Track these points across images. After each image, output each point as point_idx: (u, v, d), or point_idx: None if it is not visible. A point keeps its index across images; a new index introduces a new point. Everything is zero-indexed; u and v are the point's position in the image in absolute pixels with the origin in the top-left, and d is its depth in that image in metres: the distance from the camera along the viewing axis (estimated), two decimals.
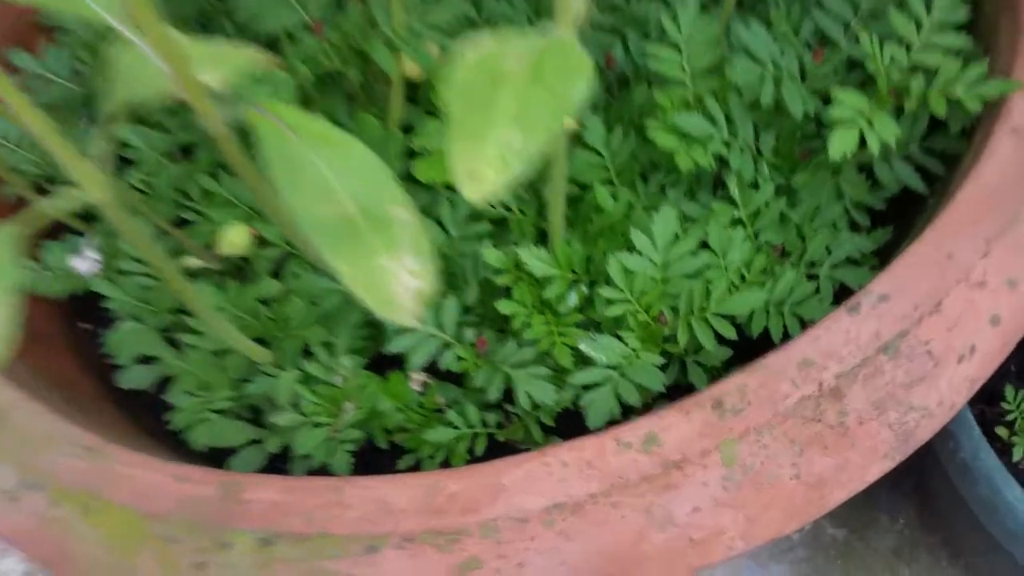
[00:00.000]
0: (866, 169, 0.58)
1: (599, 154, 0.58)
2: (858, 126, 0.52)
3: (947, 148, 0.57)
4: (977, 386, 0.45)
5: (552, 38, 0.35)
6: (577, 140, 0.59)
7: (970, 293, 0.46)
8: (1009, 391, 0.71)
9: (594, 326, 0.54)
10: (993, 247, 0.47)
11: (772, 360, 0.44)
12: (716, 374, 0.56)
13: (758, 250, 0.54)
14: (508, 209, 0.59)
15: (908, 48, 0.56)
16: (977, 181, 0.49)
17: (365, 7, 0.58)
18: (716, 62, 0.57)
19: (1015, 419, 0.71)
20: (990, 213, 0.48)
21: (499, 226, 0.59)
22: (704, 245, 0.53)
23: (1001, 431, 0.71)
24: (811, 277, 0.55)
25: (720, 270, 0.53)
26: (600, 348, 0.52)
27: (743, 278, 0.54)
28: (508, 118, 0.33)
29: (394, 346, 0.53)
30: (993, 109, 0.53)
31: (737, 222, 0.55)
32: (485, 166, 0.32)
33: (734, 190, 0.54)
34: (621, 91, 0.62)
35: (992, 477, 0.64)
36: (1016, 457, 0.69)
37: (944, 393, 0.44)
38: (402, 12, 0.56)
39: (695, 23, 0.57)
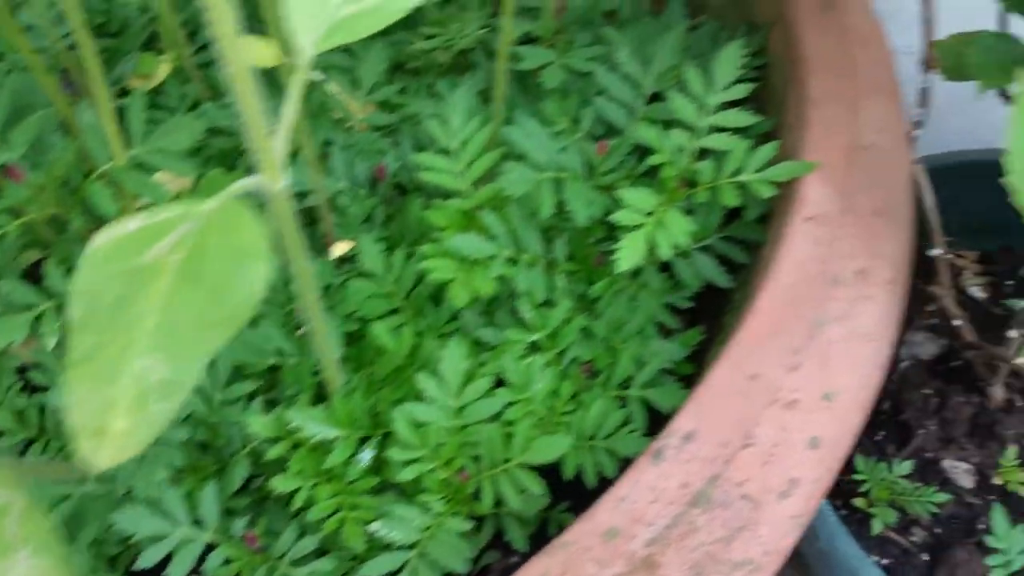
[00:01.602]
0: (667, 266, 0.53)
1: (380, 281, 0.51)
2: (646, 231, 0.47)
3: (748, 235, 0.52)
4: (806, 521, 0.40)
5: (219, 205, 0.28)
6: (353, 266, 0.52)
7: (783, 416, 0.40)
8: (859, 461, 0.67)
9: (394, 488, 0.47)
10: (802, 358, 0.42)
11: (575, 534, 0.37)
12: (541, 517, 0.49)
13: (564, 376, 0.48)
14: (282, 353, 0.51)
15: (694, 132, 0.51)
16: (776, 284, 0.44)
17: (79, 140, 0.49)
18: (493, 168, 0.51)
19: (869, 489, 0.68)
20: (793, 320, 0.43)
21: (272, 374, 0.51)
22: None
23: (859, 502, 0.68)
24: (624, 399, 0.49)
25: (524, 406, 0.46)
26: (397, 523, 0.44)
27: (552, 409, 0.47)
28: (147, 339, 0.25)
29: (146, 560, 0.43)
30: (787, 193, 0.49)
31: (535, 347, 0.48)
32: (114, 416, 0.24)
33: (526, 313, 0.48)
34: (400, 202, 0.55)
35: (852, 564, 0.60)
36: (875, 531, 0.66)
37: (768, 541, 0.38)
38: (121, 143, 0.48)
39: (467, 126, 0.51)
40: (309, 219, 0.54)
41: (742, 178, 0.49)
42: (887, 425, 0.67)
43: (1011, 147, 0.37)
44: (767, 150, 0.49)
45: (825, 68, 0.52)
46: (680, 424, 0.40)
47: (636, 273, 0.51)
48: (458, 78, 0.63)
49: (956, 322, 0.60)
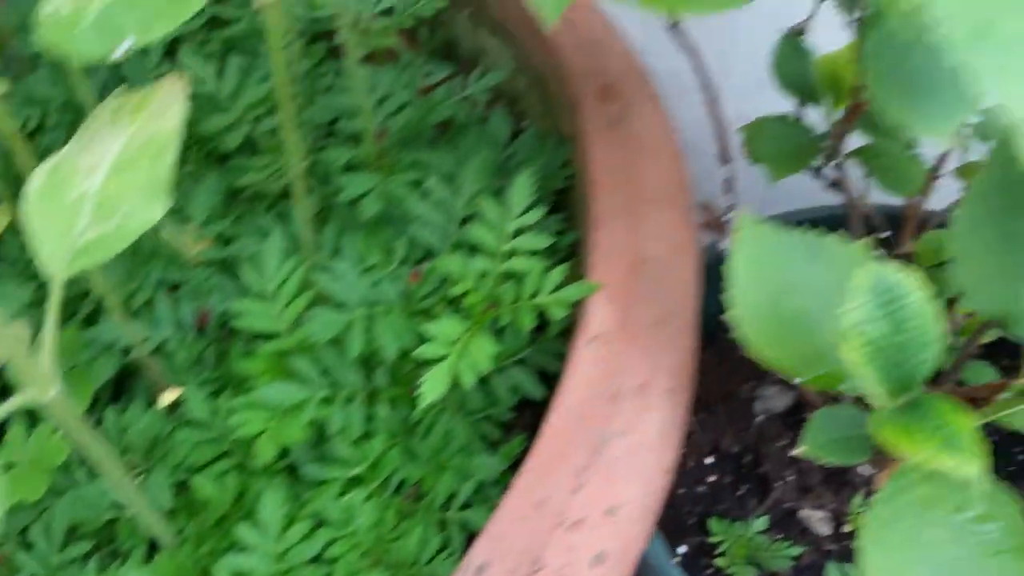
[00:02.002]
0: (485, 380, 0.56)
1: (206, 428, 0.53)
2: (450, 361, 0.50)
3: (555, 350, 0.56)
4: None
5: None
6: (182, 413, 0.54)
7: (569, 537, 0.44)
8: (714, 523, 0.71)
9: None
10: (586, 478, 0.45)
11: None
12: None
13: (387, 505, 0.51)
14: (118, 507, 0.52)
15: (496, 257, 0.55)
16: (562, 406, 0.47)
17: None
18: (308, 308, 0.54)
19: (728, 548, 0.71)
20: (579, 441, 0.46)
21: (109, 529, 0.52)
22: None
23: (720, 562, 0.71)
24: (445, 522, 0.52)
25: (347, 541, 0.49)
26: None
27: (380, 538, 0.50)
28: None
29: None
30: (578, 312, 0.52)
31: (358, 480, 0.51)
32: None
33: (343, 450, 0.51)
34: (229, 342, 0.57)
35: None
36: None
37: None
38: None
39: (282, 269, 0.54)
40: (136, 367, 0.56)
41: (539, 300, 0.53)
42: (748, 479, 0.71)
43: (737, 299, 0.41)
44: (558, 272, 0.53)
45: (610, 185, 0.57)
46: (474, 556, 0.43)
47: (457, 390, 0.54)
48: (290, 204, 0.66)
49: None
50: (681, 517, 0.69)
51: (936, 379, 0.52)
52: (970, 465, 0.32)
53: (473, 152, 0.66)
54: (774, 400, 0.77)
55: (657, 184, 0.57)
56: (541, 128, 0.70)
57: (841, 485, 0.69)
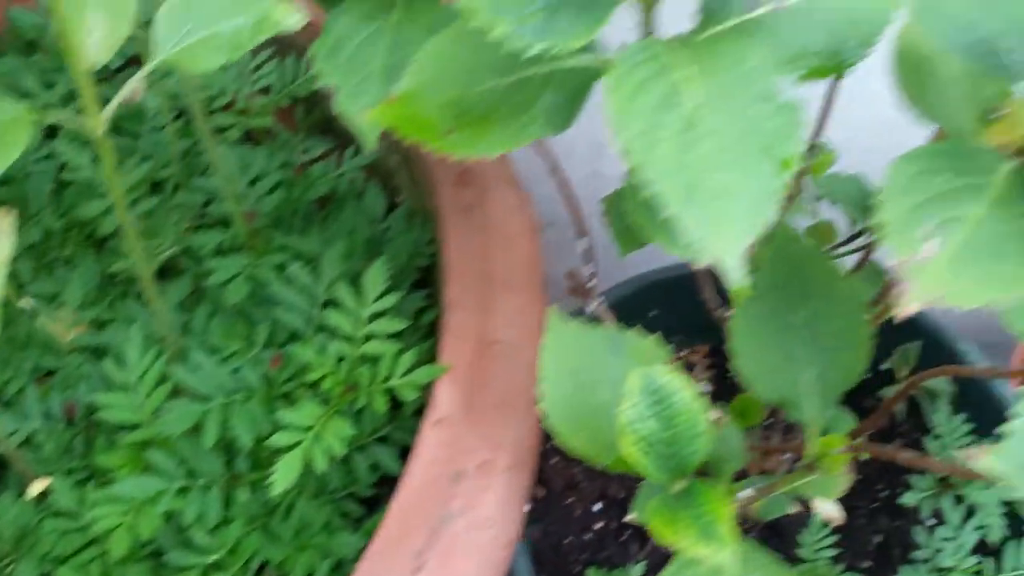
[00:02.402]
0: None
1: (74, 517, 0.55)
2: (304, 447, 0.53)
3: (416, 425, 0.59)
4: None
5: None
6: (48, 504, 0.56)
7: None
8: (591, 572, 0.75)
9: None
10: (426, 558, 0.48)
11: None
12: None
13: None
14: None
15: (353, 341, 0.58)
16: (406, 488, 0.51)
17: None
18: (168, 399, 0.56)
19: None
20: (419, 523, 0.49)
21: None
22: None
23: None
24: None
25: None
26: None
27: None
28: None
29: None
30: (427, 395, 0.56)
31: (216, 566, 0.53)
32: None
33: (199, 539, 0.53)
34: (94, 435, 0.59)
35: None
36: None
37: None
38: None
39: (143, 361, 0.56)
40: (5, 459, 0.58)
41: (392, 383, 0.56)
42: (632, 525, 0.74)
43: (545, 393, 0.45)
44: (410, 356, 0.56)
45: (464, 269, 0.60)
46: None
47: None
48: (165, 285, 0.68)
49: None
50: (568, 566, 0.72)
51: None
52: (722, 552, 0.36)
53: (349, 227, 0.69)
54: None
55: (510, 268, 0.61)
56: (412, 205, 0.73)
57: None
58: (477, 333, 0.57)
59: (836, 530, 0.66)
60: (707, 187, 0.32)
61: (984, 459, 0.29)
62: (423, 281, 0.68)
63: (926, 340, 0.70)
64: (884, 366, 0.72)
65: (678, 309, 0.72)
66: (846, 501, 0.60)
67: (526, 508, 0.65)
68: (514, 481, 0.52)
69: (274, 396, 0.58)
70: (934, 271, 0.32)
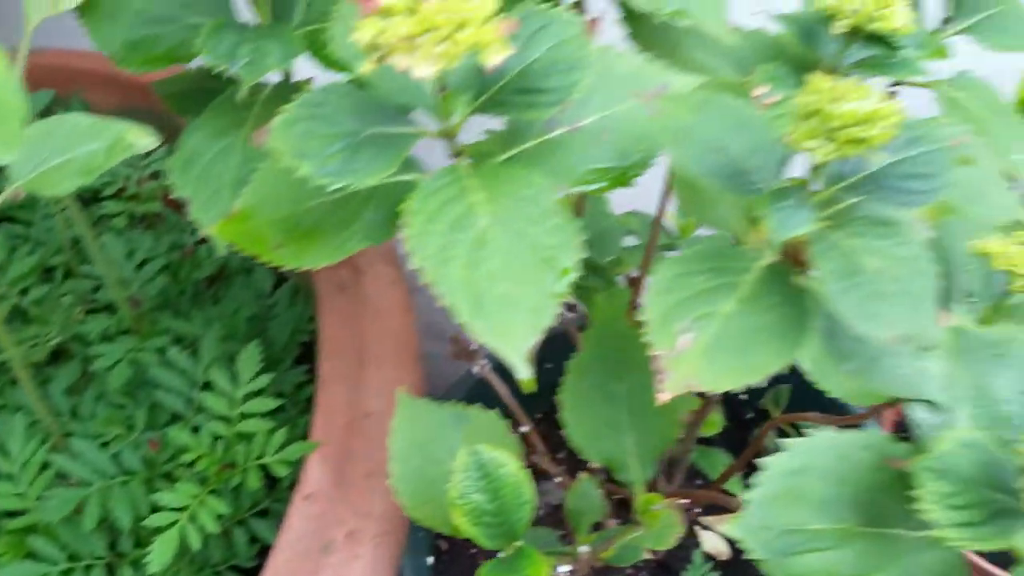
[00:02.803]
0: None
1: None
2: (180, 526, 0.56)
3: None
4: None
5: None
6: None
7: None
8: None
9: None
10: None
11: None
12: None
13: None
14: None
15: (228, 421, 0.62)
16: (276, 560, 0.54)
17: None
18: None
19: None
20: None
21: None
22: None
23: None
24: None
25: None
26: None
27: None
28: None
29: None
30: (298, 471, 0.59)
31: None
32: None
33: None
34: None
35: None
36: None
37: None
38: None
39: (25, 450, 0.59)
40: None
41: (265, 460, 0.60)
42: None
43: (394, 468, 0.49)
44: (282, 434, 0.60)
45: (337, 346, 0.64)
46: None
47: (205, 541, 0.60)
48: (56, 370, 0.70)
49: (557, 479, 0.71)
50: None
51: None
52: None
53: (236, 304, 0.73)
54: (552, 495, 0.86)
55: (382, 343, 0.65)
56: (297, 281, 0.77)
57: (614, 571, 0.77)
58: (349, 407, 0.61)
59: (722, 565, 0.70)
60: (493, 298, 0.37)
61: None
62: (306, 356, 0.72)
63: (798, 381, 0.77)
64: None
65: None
66: None
67: (430, 561, 0.69)
68: (383, 549, 0.56)
69: (154, 477, 0.61)
70: (688, 362, 0.37)
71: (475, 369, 0.70)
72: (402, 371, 0.64)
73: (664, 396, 0.36)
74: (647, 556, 0.62)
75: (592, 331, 0.51)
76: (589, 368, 0.51)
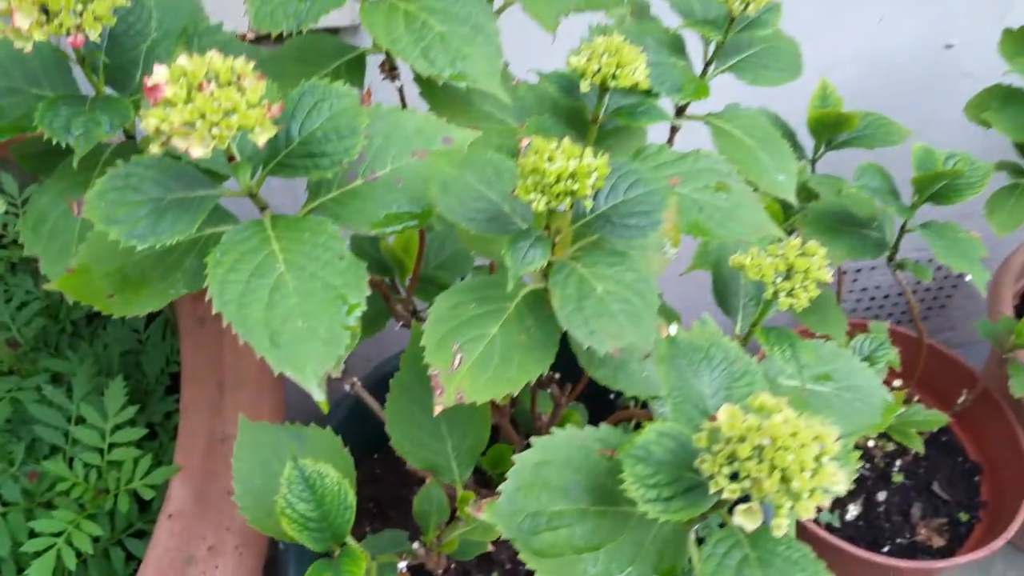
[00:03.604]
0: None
1: None
2: (58, 548, 0.61)
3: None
4: None
5: None
6: None
7: None
8: None
9: None
10: None
11: None
12: None
13: None
14: None
15: (101, 451, 0.67)
16: (144, 575, 0.60)
17: None
18: None
19: None
20: None
21: None
22: None
23: None
24: None
25: None
26: None
27: None
28: None
29: None
30: (163, 493, 0.65)
31: None
32: None
33: None
34: None
35: None
36: None
37: None
38: None
39: None
40: None
41: (133, 485, 0.65)
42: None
43: (238, 485, 0.55)
44: (147, 460, 0.65)
45: (198, 375, 0.70)
46: None
47: (84, 562, 0.65)
48: None
49: None
50: None
51: None
52: None
53: (112, 339, 0.78)
54: None
55: (239, 371, 0.71)
56: (168, 316, 0.82)
57: None
58: (208, 432, 0.67)
59: None
60: (290, 333, 0.43)
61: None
62: (176, 386, 0.77)
63: None
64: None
65: None
66: None
67: None
68: (243, 560, 0.62)
69: (34, 506, 0.66)
70: (457, 378, 0.44)
71: (347, 387, 0.76)
72: (260, 396, 0.69)
73: (438, 408, 0.43)
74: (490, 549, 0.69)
75: (408, 351, 0.58)
76: (409, 385, 0.57)
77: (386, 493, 1.02)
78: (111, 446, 0.67)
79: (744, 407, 0.37)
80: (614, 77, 0.50)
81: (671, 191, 0.45)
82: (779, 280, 0.54)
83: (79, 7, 0.49)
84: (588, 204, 0.42)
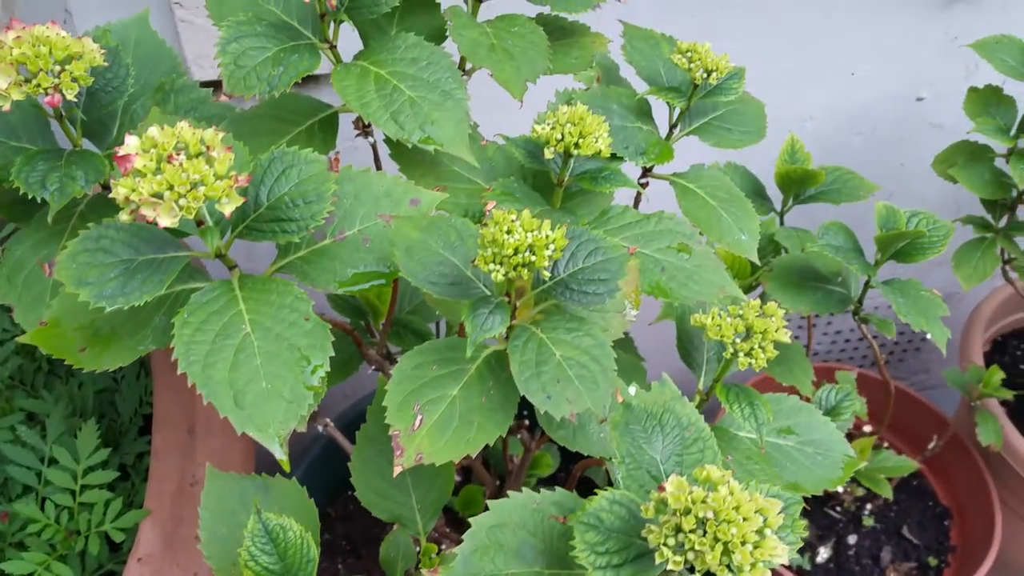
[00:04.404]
0: None
1: None
2: None
3: None
4: None
5: None
6: None
7: None
8: None
9: None
10: None
11: None
12: None
13: None
14: None
15: (74, 493, 0.67)
16: None
17: None
18: None
19: None
20: None
21: None
22: None
23: None
24: None
25: None
26: None
27: None
28: None
29: None
30: (134, 536, 0.65)
31: None
32: None
33: None
34: None
35: None
36: None
37: None
38: None
39: None
40: None
41: (104, 527, 0.65)
42: None
43: (204, 534, 0.56)
44: (118, 503, 0.66)
45: (168, 420, 0.71)
46: None
47: None
48: None
49: None
50: None
51: None
52: None
53: (87, 378, 0.78)
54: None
55: (213, 417, 0.72)
56: (144, 358, 0.83)
57: None
58: (179, 476, 0.68)
59: None
60: (253, 394, 0.44)
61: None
62: (150, 427, 0.78)
63: None
64: None
65: None
66: None
67: None
68: None
69: (5, 547, 0.66)
70: (417, 439, 0.45)
71: (320, 428, 0.77)
72: (230, 442, 0.70)
73: (398, 468, 0.44)
74: None
75: (374, 404, 0.59)
76: (374, 437, 0.58)
77: (359, 531, 1.03)
78: (83, 488, 0.67)
79: (691, 478, 0.38)
80: (576, 146, 0.51)
81: (629, 257, 0.47)
82: (738, 340, 0.56)
83: (56, 68, 0.50)
84: (546, 275, 0.43)
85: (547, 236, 0.42)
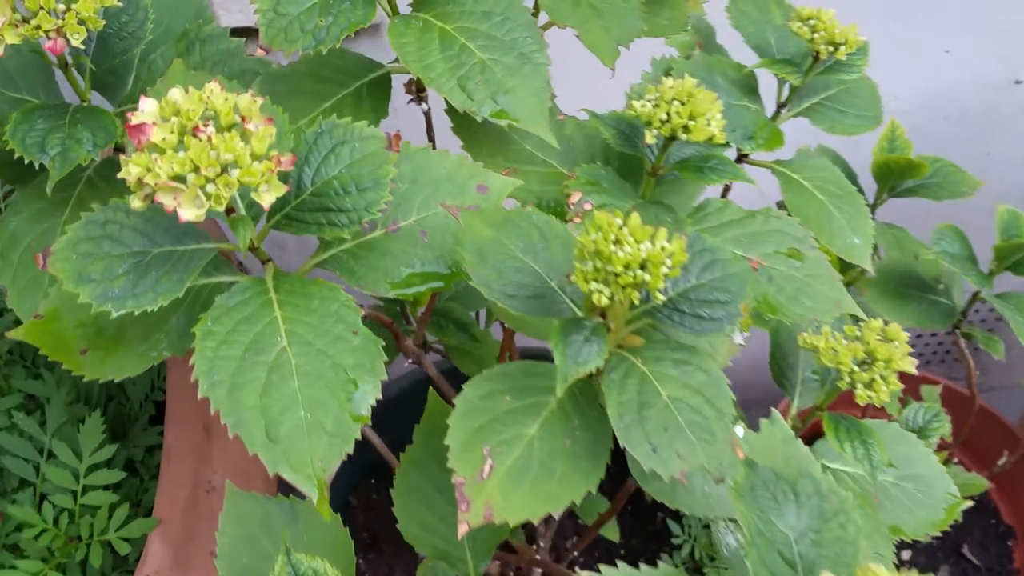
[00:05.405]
0: None
1: None
2: None
3: None
4: None
5: None
6: None
7: None
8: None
9: None
10: None
11: None
12: None
13: None
14: None
15: (75, 494, 0.60)
16: None
17: None
18: None
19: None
20: None
21: None
22: None
23: None
24: None
25: None
26: None
27: None
28: None
29: None
30: (142, 546, 0.58)
31: None
32: None
33: None
34: None
35: None
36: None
37: None
38: None
39: None
40: None
41: (107, 536, 0.58)
42: None
43: (220, 561, 0.48)
44: (124, 509, 0.58)
45: (182, 416, 0.63)
46: None
47: None
48: None
49: None
50: None
51: None
52: None
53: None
54: None
55: None
56: None
57: None
58: (192, 481, 0.60)
59: None
60: (289, 425, 0.36)
61: None
62: (162, 415, 0.70)
63: None
64: None
65: None
66: None
67: None
68: None
69: (3, 547, 0.59)
70: (487, 490, 0.37)
71: None
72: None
73: (463, 528, 0.36)
74: None
75: (423, 423, 0.51)
76: (421, 461, 0.50)
77: (382, 524, 0.95)
78: (85, 488, 0.60)
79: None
80: (686, 129, 0.42)
81: (751, 273, 0.38)
82: (856, 368, 0.47)
83: (60, 7, 0.41)
84: (659, 297, 0.34)
85: (662, 248, 0.33)
